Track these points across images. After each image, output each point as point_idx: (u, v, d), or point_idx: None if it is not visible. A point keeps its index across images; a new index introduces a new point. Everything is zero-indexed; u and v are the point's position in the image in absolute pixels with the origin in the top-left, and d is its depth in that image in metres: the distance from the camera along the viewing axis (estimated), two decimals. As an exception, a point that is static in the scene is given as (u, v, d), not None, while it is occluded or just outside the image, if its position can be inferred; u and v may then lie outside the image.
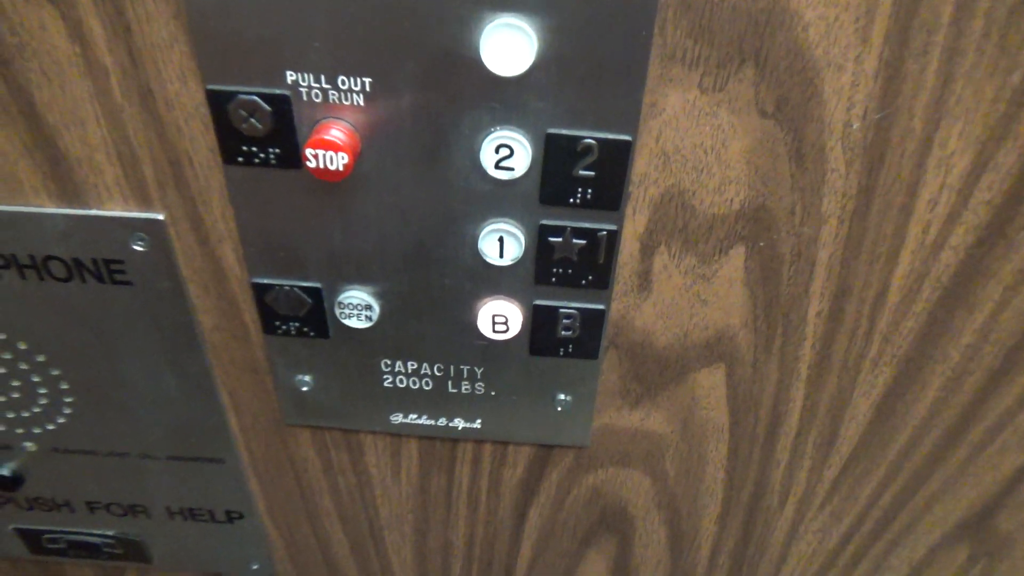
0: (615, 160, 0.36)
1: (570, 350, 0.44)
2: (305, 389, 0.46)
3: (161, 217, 0.39)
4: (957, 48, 0.32)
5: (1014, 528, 0.54)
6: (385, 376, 0.46)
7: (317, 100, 0.34)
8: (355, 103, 0.34)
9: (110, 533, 0.57)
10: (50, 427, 0.49)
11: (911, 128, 0.35)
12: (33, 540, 0.58)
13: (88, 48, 0.34)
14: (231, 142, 0.36)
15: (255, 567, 0.59)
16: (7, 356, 0.45)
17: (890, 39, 0.32)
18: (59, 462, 0.52)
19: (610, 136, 0.35)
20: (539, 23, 0.32)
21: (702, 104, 0.35)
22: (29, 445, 0.51)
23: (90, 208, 0.39)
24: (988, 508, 0.53)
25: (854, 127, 0.35)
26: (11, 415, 0.49)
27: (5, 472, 0.52)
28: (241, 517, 0.55)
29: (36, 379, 0.46)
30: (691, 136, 0.36)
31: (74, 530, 0.57)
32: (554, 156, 0.36)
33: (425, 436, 0.49)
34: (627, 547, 0.57)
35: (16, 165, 0.37)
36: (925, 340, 0.43)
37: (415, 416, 0.48)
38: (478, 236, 0.39)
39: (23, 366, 0.46)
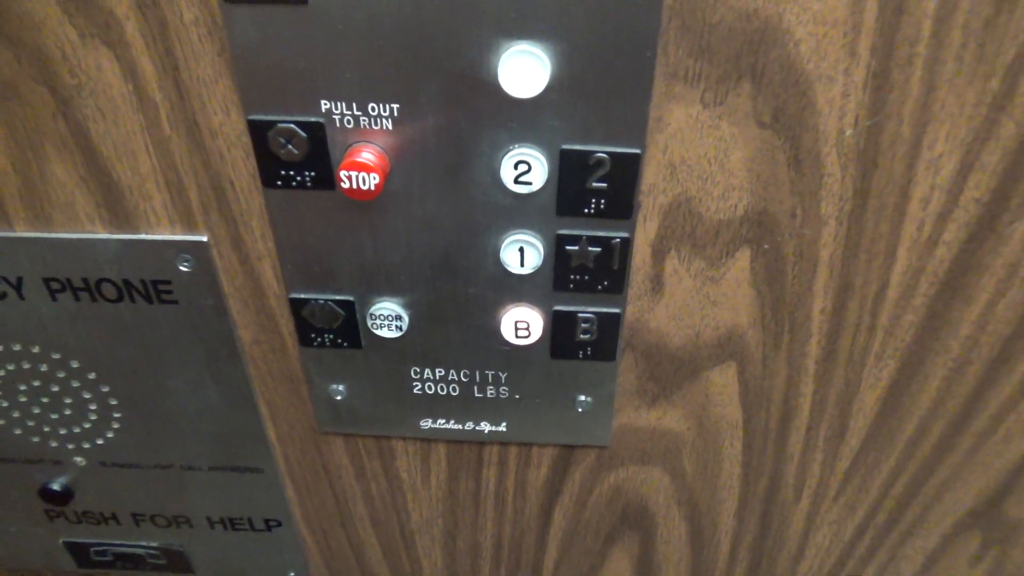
0: (625, 172, 0.39)
1: (589, 353, 0.46)
2: (339, 398, 0.49)
3: (205, 239, 0.42)
4: (938, 58, 0.35)
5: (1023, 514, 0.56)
6: (414, 383, 0.48)
7: (349, 126, 0.37)
8: (384, 127, 0.37)
9: (154, 544, 0.60)
10: (99, 442, 0.52)
11: (900, 133, 0.37)
12: (81, 553, 0.61)
13: (140, 86, 0.37)
14: (270, 167, 0.39)
15: (292, 574, 0.62)
16: (61, 375, 0.48)
17: (876, 52, 0.35)
18: (107, 476, 0.55)
19: (620, 150, 0.38)
20: (552, 48, 0.35)
21: (704, 117, 0.37)
22: (79, 460, 0.54)
23: (140, 233, 0.42)
24: (997, 495, 0.54)
25: (847, 134, 0.37)
26: (63, 431, 0.52)
27: (56, 487, 0.54)
28: (279, 525, 0.58)
29: (87, 395, 0.49)
30: (695, 147, 0.38)
31: (120, 542, 0.60)
32: (569, 170, 0.39)
33: (453, 440, 0.52)
34: (649, 544, 0.59)
35: (73, 195, 0.41)
36: (925, 333, 0.45)
37: (443, 421, 0.50)
38: (500, 247, 0.41)
39: (75, 383, 0.49)
